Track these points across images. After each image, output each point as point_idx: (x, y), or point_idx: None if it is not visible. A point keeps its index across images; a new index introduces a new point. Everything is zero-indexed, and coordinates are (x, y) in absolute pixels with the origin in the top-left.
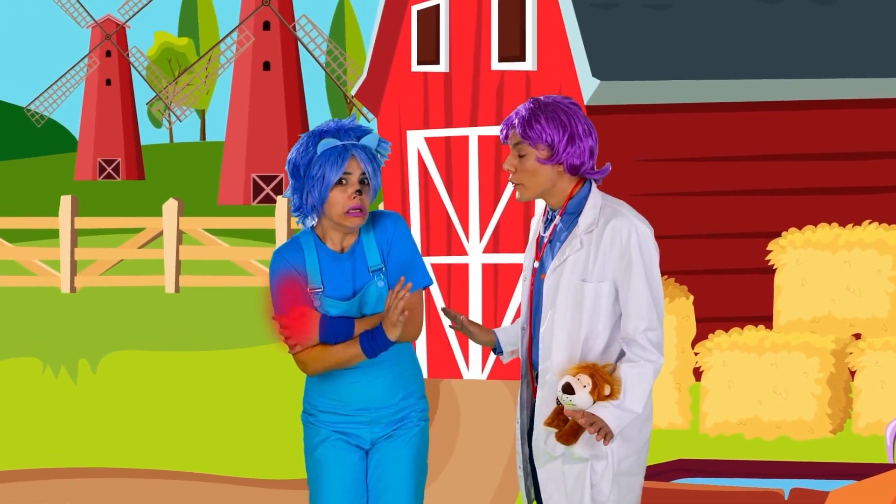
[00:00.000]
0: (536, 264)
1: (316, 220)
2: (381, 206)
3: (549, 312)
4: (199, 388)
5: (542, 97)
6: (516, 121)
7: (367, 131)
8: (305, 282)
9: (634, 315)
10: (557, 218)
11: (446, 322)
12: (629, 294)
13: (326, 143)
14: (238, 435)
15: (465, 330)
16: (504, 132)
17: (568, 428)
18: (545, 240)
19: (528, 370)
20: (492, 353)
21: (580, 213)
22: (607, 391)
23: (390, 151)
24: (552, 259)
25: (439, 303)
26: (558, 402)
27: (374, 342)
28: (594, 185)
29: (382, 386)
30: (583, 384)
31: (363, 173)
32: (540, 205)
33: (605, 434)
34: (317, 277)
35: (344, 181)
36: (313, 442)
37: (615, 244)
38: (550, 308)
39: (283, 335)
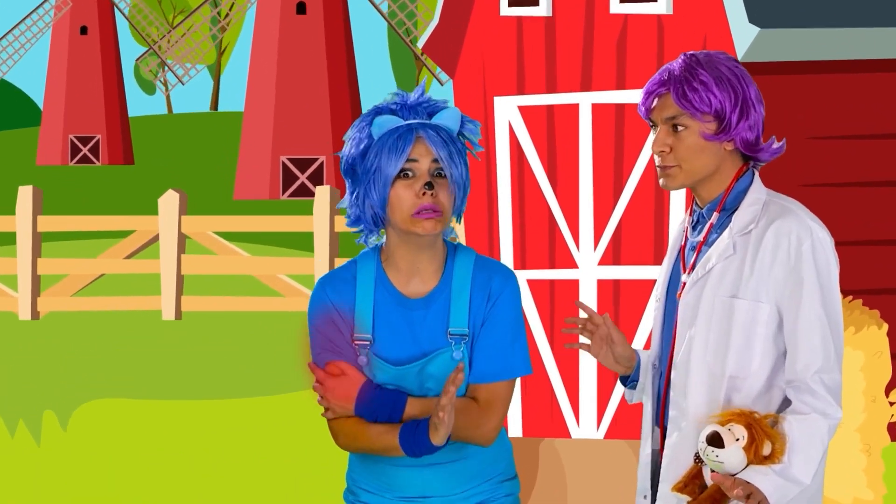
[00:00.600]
0: (685, 277)
1: (381, 236)
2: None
3: (686, 340)
4: (206, 451)
5: (697, 53)
6: (670, 83)
7: (441, 107)
8: (350, 327)
9: (805, 351)
10: (714, 215)
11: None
12: (798, 322)
13: (383, 123)
14: None
15: (605, 337)
16: (650, 100)
17: (707, 496)
18: (697, 244)
19: (659, 416)
20: (613, 399)
21: (736, 210)
22: (767, 450)
23: (480, 136)
24: (694, 267)
25: (536, 329)
26: (697, 460)
27: (417, 439)
28: (757, 175)
29: (445, 472)
30: (735, 436)
31: (435, 160)
32: (678, 203)
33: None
34: (367, 324)
35: (409, 173)
36: None
37: (780, 252)
38: (687, 334)
39: (318, 392)
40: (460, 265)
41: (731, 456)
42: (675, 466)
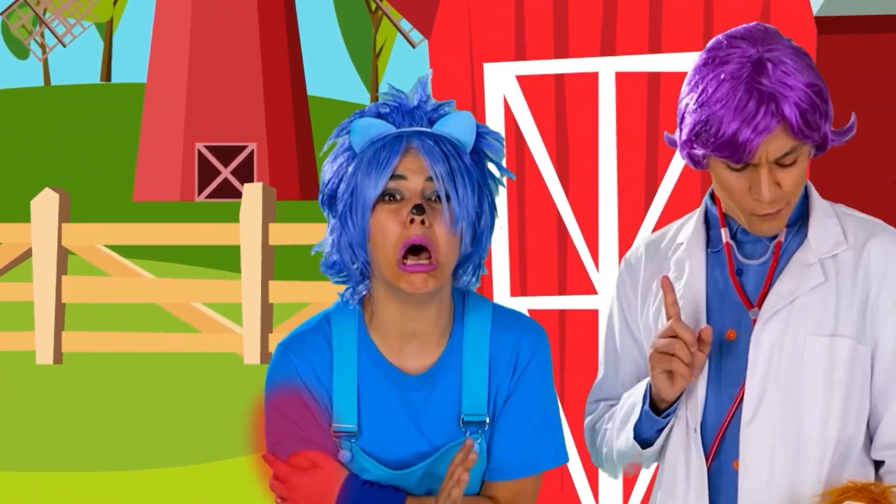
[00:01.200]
0: (753, 312)
1: (363, 291)
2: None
3: (759, 394)
4: None
5: (773, 43)
6: (781, 111)
7: (446, 112)
8: (325, 412)
9: None
10: (782, 232)
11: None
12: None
13: (364, 130)
14: None
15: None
16: (750, 139)
17: None
18: (768, 269)
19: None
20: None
21: (804, 223)
22: None
23: (504, 155)
24: (766, 298)
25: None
26: None
27: None
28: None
29: None
30: None
31: (429, 179)
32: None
33: None
34: (351, 410)
35: (396, 195)
36: None
37: (887, 282)
38: (760, 386)
39: (277, 493)
40: (473, 325)
41: None
42: None
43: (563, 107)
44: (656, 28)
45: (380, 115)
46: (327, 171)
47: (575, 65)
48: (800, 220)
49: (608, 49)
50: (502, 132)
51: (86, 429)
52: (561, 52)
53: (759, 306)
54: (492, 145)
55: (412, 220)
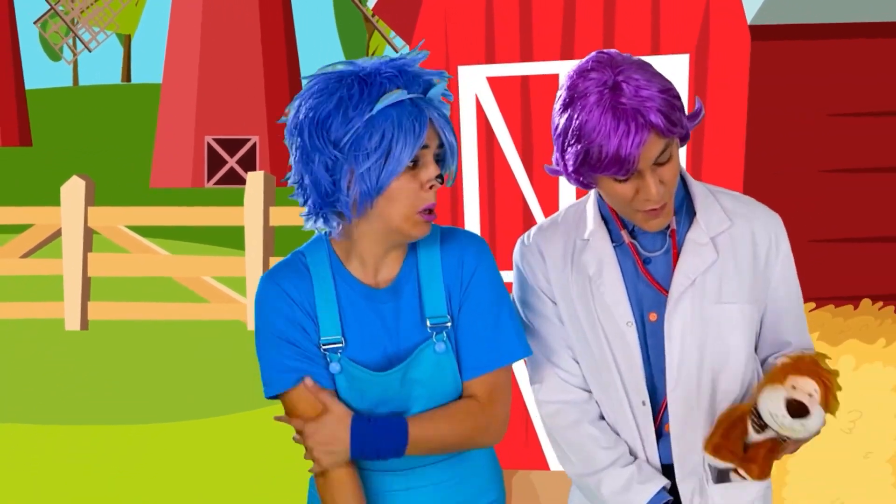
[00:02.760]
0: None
1: (344, 223)
2: None
3: (682, 362)
4: (121, 482)
5: (606, 53)
6: (649, 119)
7: (437, 75)
8: (314, 330)
9: (801, 342)
10: (672, 219)
11: None
12: (783, 314)
13: (391, 98)
14: None
15: None
16: (636, 146)
17: (766, 453)
18: (669, 251)
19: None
20: None
21: (690, 207)
22: (836, 399)
23: (452, 99)
24: (669, 279)
25: None
26: (756, 425)
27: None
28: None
29: (434, 498)
30: (808, 392)
31: (441, 146)
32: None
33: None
34: (335, 323)
35: (417, 161)
36: None
37: (772, 251)
38: (683, 358)
39: (300, 443)
40: (424, 242)
41: (816, 420)
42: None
43: (528, 104)
44: (609, 35)
45: (390, 78)
46: (323, 110)
47: (538, 67)
48: (683, 204)
49: (567, 53)
50: (475, 127)
51: (108, 387)
52: (526, 56)
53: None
54: (448, 92)
55: (431, 186)
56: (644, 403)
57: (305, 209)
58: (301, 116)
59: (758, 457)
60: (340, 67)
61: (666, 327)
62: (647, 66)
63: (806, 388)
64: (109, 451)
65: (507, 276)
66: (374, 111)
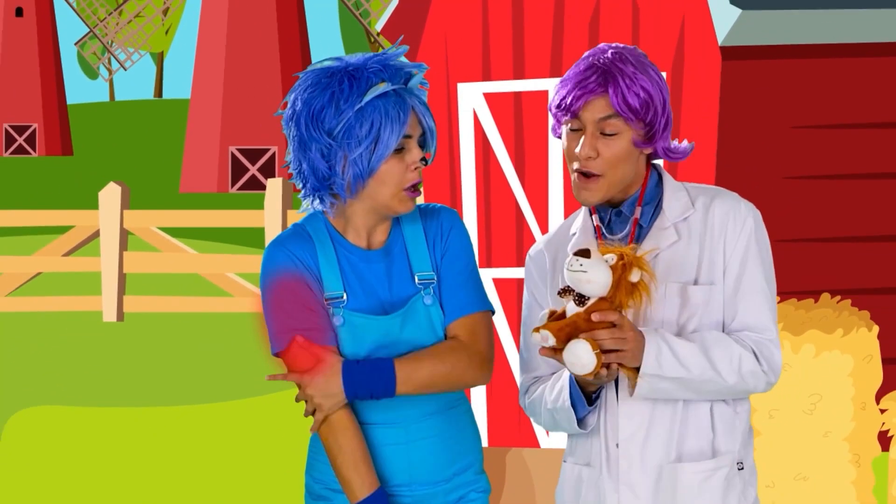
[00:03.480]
0: None
1: (338, 203)
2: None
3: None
4: (152, 460)
5: (623, 48)
6: (609, 83)
7: (415, 66)
8: (318, 285)
9: (746, 315)
10: (637, 210)
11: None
12: (740, 290)
13: (378, 90)
14: None
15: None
16: (582, 96)
17: (568, 322)
18: (627, 240)
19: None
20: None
21: (660, 201)
22: (636, 276)
23: (428, 86)
24: None
25: (503, 331)
26: (563, 292)
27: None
28: (661, 168)
29: (431, 451)
30: (605, 258)
31: (423, 133)
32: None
33: (621, 360)
34: (336, 280)
35: (402, 147)
36: None
37: (730, 231)
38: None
39: (299, 381)
40: (406, 214)
41: (595, 267)
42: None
43: (521, 118)
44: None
45: (376, 72)
46: (319, 101)
47: (529, 84)
48: (655, 199)
49: (556, 71)
50: (473, 138)
51: (142, 372)
52: (518, 74)
53: None
54: (424, 83)
55: (416, 168)
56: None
57: (302, 192)
58: (297, 109)
59: (556, 324)
60: (328, 63)
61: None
62: (658, 76)
63: (607, 258)
64: (142, 430)
65: (503, 272)
66: (363, 103)
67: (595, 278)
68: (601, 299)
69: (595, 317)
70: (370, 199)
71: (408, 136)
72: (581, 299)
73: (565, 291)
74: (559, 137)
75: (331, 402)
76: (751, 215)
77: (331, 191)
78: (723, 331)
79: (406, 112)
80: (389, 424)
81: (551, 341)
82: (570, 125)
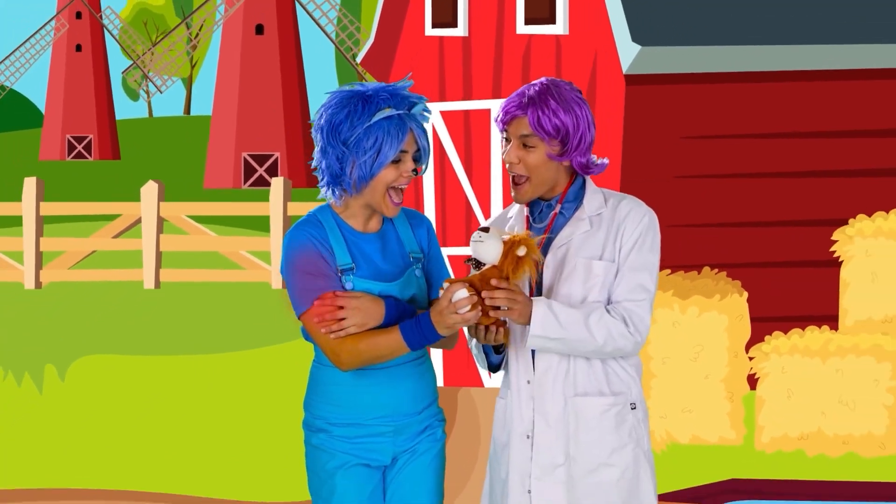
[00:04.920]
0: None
1: (345, 195)
2: None
3: (550, 293)
4: (183, 397)
5: (552, 80)
6: (527, 108)
7: (418, 98)
8: (332, 258)
9: (628, 287)
10: (557, 206)
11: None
12: (626, 266)
13: (383, 114)
14: (228, 451)
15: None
16: (506, 115)
17: (468, 279)
18: (545, 227)
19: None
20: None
21: (581, 200)
22: (522, 251)
23: (430, 113)
24: (553, 240)
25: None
26: (469, 261)
27: (420, 332)
28: (588, 177)
29: (409, 389)
30: (500, 233)
31: (418, 150)
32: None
33: (510, 316)
34: (345, 255)
35: (400, 158)
36: (326, 468)
37: (628, 223)
38: (551, 293)
39: (330, 317)
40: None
41: (490, 239)
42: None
43: (469, 130)
44: (526, 79)
45: (384, 99)
46: (339, 118)
47: (475, 104)
48: (578, 198)
49: (496, 94)
50: (432, 148)
51: (176, 327)
52: (467, 96)
53: (545, 249)
54: (428, 113)
55: (408, 176)
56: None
57: (320, 183)
58: (323, 121)
59: (458, 279)
60: (350, 88)
61: (542, 270)
62: (578, 102)
63: (501, 232)
64: (174, 373)
65: (455, 250)
66: (371, 122)
67: (488, 247)
68: (493, 267)
69: (493, 282)
70: (368, 195)
71: (404, 151)
72: (478, 264)
73: (469, 259)
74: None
75: (371, 322)
76: (647, 215)
77: (340, 186)
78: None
79: (404, 132)
80: (379, 370)
81: (446, 285)
82: (504, 136)
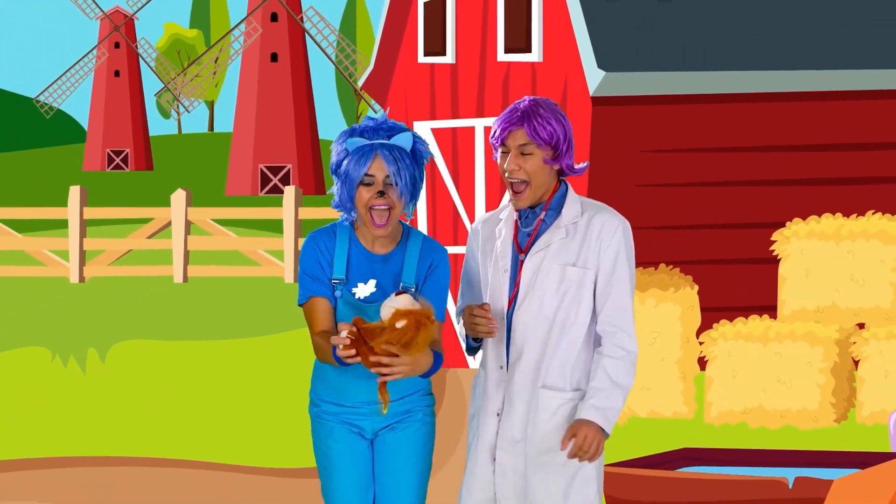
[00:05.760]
0: (522, 255)
1: (350, 216)
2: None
3: (527, 295)
4: (208, 377)
5: (537, 98)
6: (523, 121)
7: (399, 130)
8: (329, 269)
9: (614, 307)
10: (542, 213)
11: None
12: (612, 283)
13: (354, 143)
14: (247, 424)
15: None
16: (504, 130)
17: (370, 326)
18: (531, 232)
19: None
20: None
21: (562, 208)
22: (400, 324)
23: (431, 154)
24: (531, 246)
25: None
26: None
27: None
28: (569, 184)
29: (387, 381)
30: (409, 302)
31: (387, 176)
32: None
33: (384, 373)
34: (342, 269)
35: (369, 181)
36: (321, 435)
37: (604, 235)
38: (528, 291)
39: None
40: (413, 240)
41: (390, 302)
42: (519, 400)
43: (456, 145)
44: (505, 101)
45: (360, 132)
46: (334, 155)
47: (461, 122)
48: (559, 206)
49: (479, 113)
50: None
51: (201, 316)
52: (455, 115)
53: (526, 252)
54: (420, 147)
55: (376, 197)
56: (502, 319)
57: (335, 208)
58: (332, 155)
59: (359, 326)
60: (354, 124)
61: (522, 272)
62: (561, 113)
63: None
64: (200, 356)
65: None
66: (345, 149)
67: (384, 308)
68: (390, 327)
69: (384, 346)
70: (359, 216)
71: (370, 175)
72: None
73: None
74: (496, 160)
75: (416, 373)
76: (621, 226)
77: (343, 207)
78: (593, 312)
79: (368, 158)
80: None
81: (342, 326)
82: (501, 150)
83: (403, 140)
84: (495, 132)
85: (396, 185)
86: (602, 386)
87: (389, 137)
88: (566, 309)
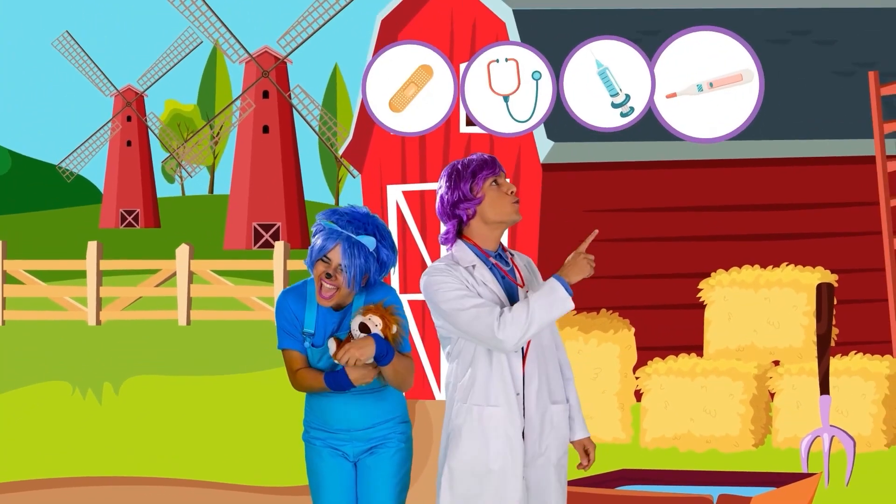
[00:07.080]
0: (522, 291)
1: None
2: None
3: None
4: (209, 407)
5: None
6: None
7: (373, 230)
8: (301, 323)
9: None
10: (508, 253)
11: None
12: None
13: (328, 225)
14: (244, 447)
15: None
16: (501, 167)
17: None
18: (514, 269)
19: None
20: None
21: (507, 252)
22: (395, 329)
23: (395, 265)
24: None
25: (413, 328)
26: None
27: (334, 378)
28: None
29: (360, 412)
30: (375, 323)
31: (340, 264)
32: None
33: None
34: (312, 323)
35: (326, 260)
36: (311, 457)
37: (536, 278)
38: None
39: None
40: (361, 292)
41: (354, 321)
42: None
43: (424, 205)
44: None
45: (335, 219)
46: (314, 228)
47: (429, 186)
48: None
49: None
50: (396, 220)
51: (202, 355)
52: (423, 179)
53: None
54: (387, 254)
55: (323, 276)
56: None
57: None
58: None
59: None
60: (335, 207)
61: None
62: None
63: (375, 321)
64: (203, 390)
65: (413, 296)
66: (322, 228)
67: (353, 322)
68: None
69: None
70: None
71: (328, 257)
72: (364, 328)
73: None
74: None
75: (365, 357)
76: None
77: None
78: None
79: (332, 243)
80: (345, 394)
81: (331, 340)
82: (496, 179)
83: (368, 241)
84: (497, 168)
85: (345, 273)
86: (577, 403)
87: (358, 230)
88: (546, 334)
